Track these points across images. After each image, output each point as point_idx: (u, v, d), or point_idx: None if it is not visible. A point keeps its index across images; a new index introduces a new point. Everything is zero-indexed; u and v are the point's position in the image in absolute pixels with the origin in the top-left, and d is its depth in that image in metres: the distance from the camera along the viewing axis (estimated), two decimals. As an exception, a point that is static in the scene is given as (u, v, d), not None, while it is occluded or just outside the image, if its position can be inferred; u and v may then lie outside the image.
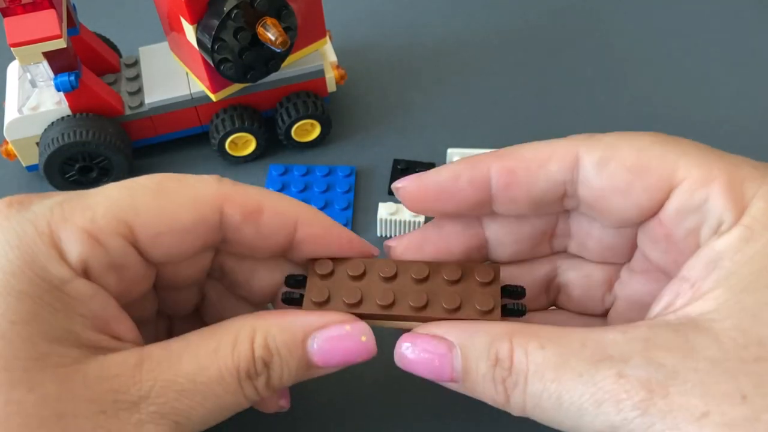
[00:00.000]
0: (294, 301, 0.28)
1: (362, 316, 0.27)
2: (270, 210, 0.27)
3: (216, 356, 0.24)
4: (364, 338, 0.26)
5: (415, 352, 0.25)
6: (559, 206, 0.28)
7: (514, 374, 0.23)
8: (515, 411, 0.24)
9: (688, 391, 0.20)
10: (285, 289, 0.29)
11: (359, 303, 0.27)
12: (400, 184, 0.28)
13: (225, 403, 0.25)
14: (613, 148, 0.25)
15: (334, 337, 0.26)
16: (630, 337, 0.22)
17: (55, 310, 0.23)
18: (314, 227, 0.28)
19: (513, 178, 0.26)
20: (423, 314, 0.27)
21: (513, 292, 0.28)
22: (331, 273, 0.28)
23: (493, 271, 0.27)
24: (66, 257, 0.24)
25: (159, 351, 0.24)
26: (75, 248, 0.24)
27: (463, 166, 0.27)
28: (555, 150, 0.26)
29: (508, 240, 0.29)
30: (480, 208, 0.28)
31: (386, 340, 0.27)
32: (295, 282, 0.29)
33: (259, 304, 0.31)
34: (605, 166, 0.25)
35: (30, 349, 0.22)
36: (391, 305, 0.27)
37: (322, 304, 0.27)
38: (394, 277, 0.28)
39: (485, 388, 0.24)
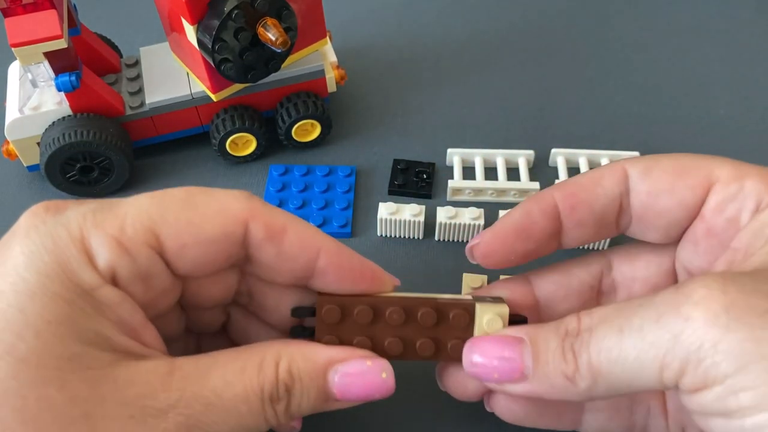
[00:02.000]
0: (302, 336, 0.29)
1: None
2: (294, 233, 0.28)
3: (242, 375, 0.25)
4: (384, 375, 0.27)
5: (485, 356, 0.27)
6: (615, 228, 0.30)
7: (583, 332, 0.25)
8: (582, 382, 0.24)
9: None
10: (294, 323, 0.30)
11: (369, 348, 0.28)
12: (475, 241, 0.30)
13: (246, 424, 0.25)
14: (654, 160, 0.28)
15: (355, 372, 0.26)
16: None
17: (86, 314, 0.23)
18: (337, 258, 0.28)
19: (576, 199, 0.29)
20: (430, 359, 0.28)
21: (516, 322, 0.28)
22: (341, 320, 0.28)
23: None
24: (96, 264, 0.24)
25: (189, 364, 0.25)
26: (104, 255, 0.24)
27: (531, 202, 0.29)
28: (605, 170, 0.29)
29: (558, 297, 0.31)
30: (553, 242, 0.30)
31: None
32: (303, 312, 0.29)
33: (282, 330, 0.31)
34: (650, 173, 0.28)
35: (63, 349, 0.22)
36: (401, 355, 0.28)
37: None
38: (404, 323, 0.28)
39: (554, 366, 0.25)
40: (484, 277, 0.29)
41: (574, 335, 0.25)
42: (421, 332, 0.28)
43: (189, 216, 0.26)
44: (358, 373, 0.26)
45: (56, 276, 0.23)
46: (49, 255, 0.24)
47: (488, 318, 0.27)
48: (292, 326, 0.30)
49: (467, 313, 0.28)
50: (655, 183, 0.28)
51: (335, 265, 0.28)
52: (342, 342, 0.28)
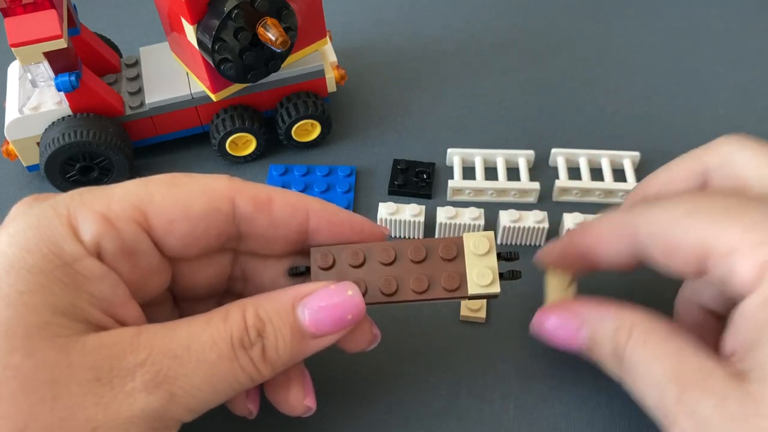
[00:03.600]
0: None
1: (368, 305, 0.28)
2: (280, 199, 0.29)
3: (208, 325, 0.25)
4: (350, 292, 0.27)
5: (550, 324, 0.30)
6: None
7: (627, 363, 0.27)
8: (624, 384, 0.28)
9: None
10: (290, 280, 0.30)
11: (363, 294, 0.28)
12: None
13: (220, 374, 0.25)
14: (657, 224, 0.28)
15: (320, 296, 0.27)
16: (701, 365, 0.25)
17: (64, 285, 0.24)
18: (326, 214, 0.29)
19: (589, 255, 0.31)
20: (425, 296, 0.28)
21: (508, 258, 0.29)
22: (333, 265, 0.29)
23: (488, 241, 0.29)
24: (80, 237, 0.25)
25: (156, 326, 0.25)
26: (89, 229, 0.25)
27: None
28: (612, 230, 0.30)
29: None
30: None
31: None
32: (298, 273, 0.30)
33: None
34: (651, 242, 0.28)
35: (33, 317, 0.23)
36: (395, 293, 0.28)
37: None
38: (393, 262, 0.29)
39: (606, 363, 0.29)
40: (491, 236, 0.29)
41: (620, 355, 0.28)
42: (413, 269, 0.29)
43: (175, 194, 0.27)
44: (324, 298, 0.27)
45: (37, 249, 0.24)
46: (33, 231, 0.24)
47: (475, 240, 0.29)
48: (289, 267, 0.30)
49: (455, 243, 0.29)
50: (656, 257, 0.28)
51: (326, 220, 0.29)
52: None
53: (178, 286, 0.30)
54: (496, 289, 0.28)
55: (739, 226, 0.25)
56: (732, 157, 0.30)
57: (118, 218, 0.26)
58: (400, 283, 0.28)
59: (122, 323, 0.25)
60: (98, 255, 0.25)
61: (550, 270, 0.33)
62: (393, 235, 0.40)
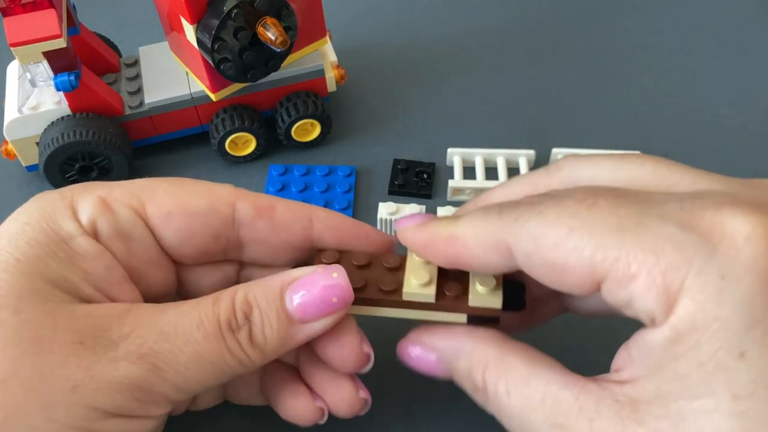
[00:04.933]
0: None
1: (365, 301, 0.28)
2: (282, 206, 0.29)
3: (197, 306, 0.25)
4: (335, 275, 0.26)
5: (411, 358, 0.28)
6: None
7: (491, 403, 0.25)
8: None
9: None
10: None
11: (363, 288, 0.28)
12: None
13: (206, 354, 0.25)
14: (534, 242, 0.23)
15: (306, 280, 0.26)
16: (578, 409, 0.22)
17: (59, 259, 0.25)
18: (331, 221, 0.29)
19: (459, 259, 0.26)
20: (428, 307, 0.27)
21: (512, 286, 0.28)
22: (337, 262, 0.29)
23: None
24: (78, 217, 0.26)
25: (147, 305, 0.26)
26: (87, 209, 0.26)
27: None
28: (482, 242, 0.25)
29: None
30: None
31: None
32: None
33: None
34: (530, 261, 0.24)
35: (26, 282, 0.24)
36: (395, 291, 0.27)
37: None
38: (398, 267, 0.28)
39: (472, 395, 0.26)
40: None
41: (482, 394, 0.25)
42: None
43: (177, 190, 0.28)
44: (310, 282, 0.26)
45: (37, 224, 0.26)
46: (37, 209, 0.26)
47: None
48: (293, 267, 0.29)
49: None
50: (538, 275, 0.24)
51: (331, 228, 0.29)
52: None
53: (187, 294, 0.30)
54: (497, 305, 0.27)
55: (637, 246, 0.21)
56: (579, 173, 0.26)
57: (115, 202, 0.27)
58: (399, 286, 0.28)
59: (115, 302, 0.26)
60: (94, 235, 0.26)
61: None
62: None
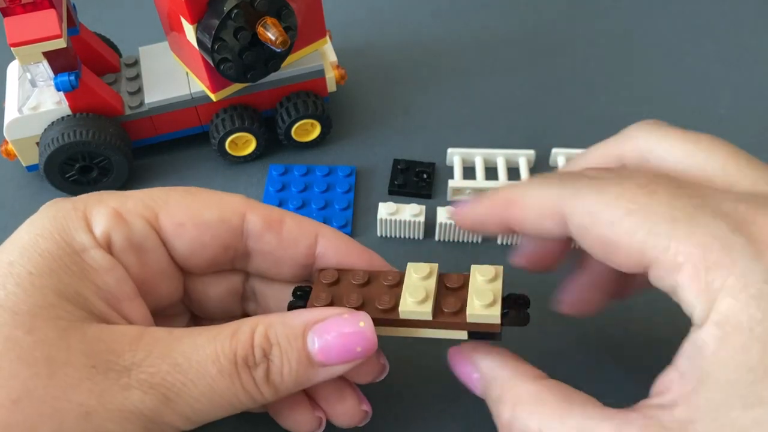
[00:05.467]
0: (298, 308, 0.28)
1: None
2: (292, 221, 0.29)
3: (214, 339, 0.25)
4: (362, 324, 0.26)
5: (459, 370, 0.28)
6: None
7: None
8: None
9: None
10: (290, 299, 0.29)
11: (361, 307, 0.27)
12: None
13: (219, 390, 0.24)
14: (592, 216, 0.24)
15: (331, 324, 0.26)
16: None
17: (71, 272, 0.25)
18: (336, 240, 0.29)
19: (513, 221, 0.27)
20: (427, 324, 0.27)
21: (517, 300, 0.27)
22: (336, 281, 0.28)
23: (496, 272, 0.28)
24: (92, 229, 0.26)
25: (162, 331, 0.25)
26: (101, 221, 0.26)
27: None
28: (542, 205, 0.26)
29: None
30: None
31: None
32: (303, 293, 0.29)
33: None
34: (584, 233, 0.24)
35: (39, 298, 0.24)
36: (394, 308, 0.27)
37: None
38: (398, 284, 0.28)
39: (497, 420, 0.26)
40: (500, 268, 0.27)
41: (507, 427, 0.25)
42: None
43: (189, 201, 0.28)
44: (335, 327, 0.26)
45: (50, 236, 0.25)
46: (50, 221, 0.26)
47: (481, 271, 0.28)
48: (294, 287, 0.29)
49: (462, 277, 0.28)
50: (590, 249, 0.24)
51: (335, 247, 0.29)
52: (335, 301, 0.27)
53: (192, 303, 0.30)
54: (495, 320, 0.26)
55: (687, 239, 0.21)
56: (650, 146, 0.26)
57: (129, 213, 0.27)
58: (397, 304, 0.27)
59: (126, 319, 0.26)
60: (108, 247, 0.26)
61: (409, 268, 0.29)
62: (393, 235, 0.40)
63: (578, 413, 0.23)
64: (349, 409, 0.29)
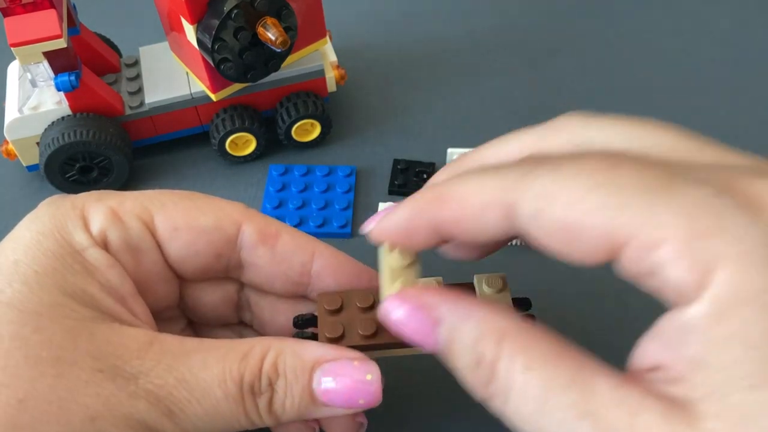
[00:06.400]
0: (306, 338, 0.27)
1: (378, 347, 0.27)
2: (288, 236, 0.28)
3: (224, 360, 0.24)
4: (369, 377, 0.25)
5: (401, 316, 0.23)
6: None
7: (496, 384, 0.21)
8: (492, 410, 0.22)
9: None
10: (295, 331, 0.29)
11: (374, 334, 0.26)
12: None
13: (222, 412, 0.24)
14: (545, 199, 0.20)
15: (339, 369, 0.25)
16: (619, 399, 0.19)
17: (74, 271, 0.25)
18: (333, 259, 0.29)
19: (448, 222, 0.23)
20: None
21: (522, 303, 0.27)
22: (341, 308, 0.27)
23: (501, 281, 0.27)
24: (89, 228, 0.26)
25: (173, 340, 0.25)
26: (98, 221, 0.26)
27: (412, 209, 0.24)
28: (484, 199, 0.22)
29: None
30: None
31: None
32: (304, 322, 0.28)
33: None
34: (536, 222, 0.20)
35: (45, 296, 0.24)
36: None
37: (337, 340, 0.27)
38: None
39: (466, 377, 0.22)
40: (504, 276, 0.26)
41: (487, 373, 0.21)
42: None
43: (187, 205, 0.28)
44: (342, 371, 0.25)
45: (51, 235, 0.25)
46: (50, 219, 0.26)
47: (486, 279, 0.27)
48: (294, 316, 0.28)
49: (468, 287, 0.27)
50: (547, 239, 0.20)
51: (332, 267, 0.28)
52: (346, 330, 0.27)
53: (188, 308, 0.30)
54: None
55: (668, 208, 0.18)
56: (590, 135, 0.23)
57: (126, 214, 0.27)
58: None
59: (133, 314, 0.26)
60: (105, 246, 0.26)
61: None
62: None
63: (572, 359, 0.20)
64: (343, 420, 0.28)
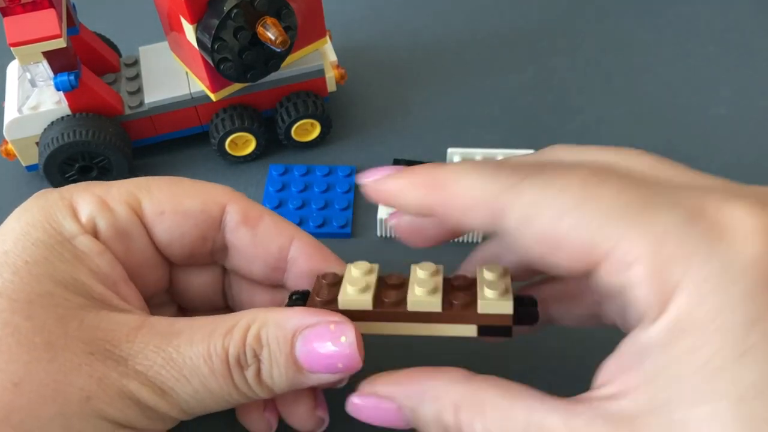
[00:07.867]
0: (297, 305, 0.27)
1: (368, 316, 0.26)
2: (270, 220, 0.29)
3: (210, 337, 0.25)
4: (343, 339, 0.25)
5: (364, 411, 0.25)
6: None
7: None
8: None
9: None
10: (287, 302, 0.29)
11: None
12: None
13: (212, 387, 0.24)
14: (535, 208, 0.22)
15: (316, 334, 0.25)
16: (571, 429, 0.21)
17: (64, 260, 0.25)
18: (309, 247, 0.29)
19: (440, 206, 0.25)
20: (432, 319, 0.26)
21: (523, 300, 0.27)
22: (340, 281, 0.27)
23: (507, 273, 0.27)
24: (78, 216, 0.27)
25: (163, 322, 0.25)
26: (86, 208, 0.27)
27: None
28: (475, 196, 0.23)
29: None
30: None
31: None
32: (299, 296, 0.28)
33: None
34: (523, 229, 0.22)
35: (36, 286, 0.24)
36: (401, 302, 0.26)
37: (328, 303, 0.26)
38: (401, 285, 0.27)
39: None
40: (507, 267, 0.27)
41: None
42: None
43: (172, 190, 0.28)
44: (319, 336, 0.25)
45: (40, 225, 0.26)
46: (39, 210, 0.26)
47: (490, 274, 0.27)
48: (290, 293, 0.29)
49: (471, 278, 0.27)
50: (529, 247, 0.22)
51: (307, 254, 0.29)
52: (335, 296, 0.26)
53: (177, 294, 0.31)
54: (508, 310, 0.25)
55: (642, 231, 0.20)
56: (579, 160, 0.24)
57: (113, 200, 0.27)
58: (403, 300, 0.26)
59: (125, 300, 0.26)
60: (94, 233, 0.27)
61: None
62: (393, 235, 0.40)
63: (522, 408, 0.22)
64: (302, 411, 0.28)
